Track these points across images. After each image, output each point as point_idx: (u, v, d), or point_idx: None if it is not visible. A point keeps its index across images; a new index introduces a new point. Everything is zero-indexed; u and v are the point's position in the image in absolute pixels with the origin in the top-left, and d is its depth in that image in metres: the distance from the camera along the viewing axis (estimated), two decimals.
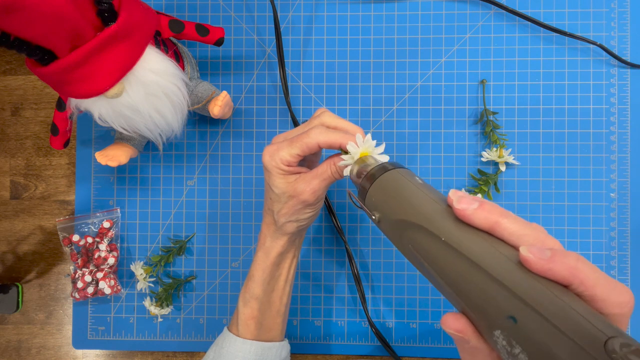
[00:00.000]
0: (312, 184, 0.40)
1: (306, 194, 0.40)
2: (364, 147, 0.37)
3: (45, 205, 0.59)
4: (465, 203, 0.25)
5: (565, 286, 0.21)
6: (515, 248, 0.24)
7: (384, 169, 0.34)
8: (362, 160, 0.37)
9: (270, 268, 0.45)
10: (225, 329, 0.48)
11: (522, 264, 0.22)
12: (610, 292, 0.21)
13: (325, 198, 0.56)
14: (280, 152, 0.40)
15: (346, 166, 0.38)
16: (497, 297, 0.22)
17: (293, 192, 0.40)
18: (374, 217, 0.33)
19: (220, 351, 0.46)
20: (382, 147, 0.38)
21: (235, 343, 0.45)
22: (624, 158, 0.55)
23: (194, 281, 0.57)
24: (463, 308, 0.25)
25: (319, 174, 0.40)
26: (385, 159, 0.37)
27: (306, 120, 0.43)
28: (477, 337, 0.24)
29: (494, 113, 0.55)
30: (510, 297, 0.21)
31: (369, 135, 0.37)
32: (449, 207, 0.27)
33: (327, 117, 0.41)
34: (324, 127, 0.40)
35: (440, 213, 0.27)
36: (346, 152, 0.38)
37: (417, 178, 0.32)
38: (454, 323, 0.24)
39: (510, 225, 0.24)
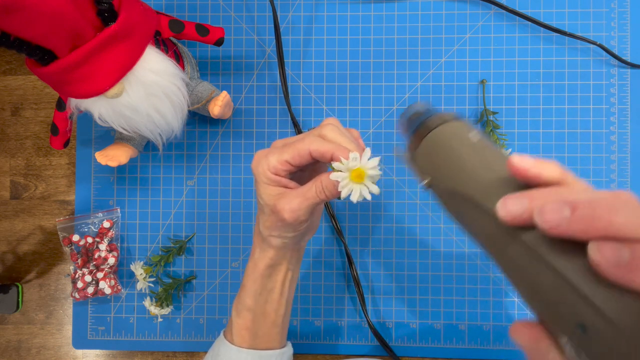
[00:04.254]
0: (292, 202, 0.36)
1: (285, 213, 0.36)
2: (355, 164, 0.32)
3: (45, 205, 0.59)
4: (552, 212, 0.18)
5: None
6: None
7: (436, 121, 0.27)
8: (358, 177, 0.32)
9: (261, 280, 0.42)
10: (222, 334, 0.47)
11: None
12: None
13: None
14: (269, 157, 0.36)
15: (340, 183, 0.33)
16: (565, 300, 0.18)
17: (273, 207, 0.37)
18: (424, 183, 0.27)
19: (216, 359, 0.45)
20: (376, 161, 0.33)
21: (230, 352, 0.44)
22: (624, 158, 0.55)
23: (194, 281, 0.57)
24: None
25: (301, 192, 0.36)
26: (376, 190, 0.32)
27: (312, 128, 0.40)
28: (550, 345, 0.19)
29: (494, 113, 0.55)
30: (580, 302, 0.17)
31: (367, 150, 0.33)
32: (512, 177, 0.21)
33: (329, 130, 0.36)
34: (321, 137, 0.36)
35: (498, 185, 0.22)
36: (338, 168, 0.34)
37: (475, 133, 0.26)
38: (522, 332, 0.20)
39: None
